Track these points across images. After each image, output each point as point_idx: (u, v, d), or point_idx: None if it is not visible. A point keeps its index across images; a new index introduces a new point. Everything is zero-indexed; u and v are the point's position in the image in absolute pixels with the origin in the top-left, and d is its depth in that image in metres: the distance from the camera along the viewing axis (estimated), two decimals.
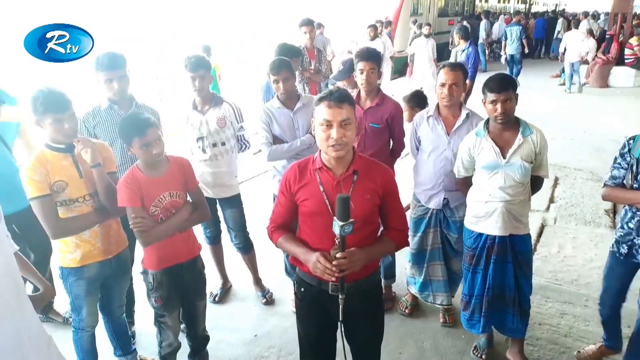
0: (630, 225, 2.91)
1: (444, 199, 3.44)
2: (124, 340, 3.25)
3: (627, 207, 2.91)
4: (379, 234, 2.43)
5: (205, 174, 3.73)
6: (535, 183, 3.12)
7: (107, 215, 2.81)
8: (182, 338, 3.15)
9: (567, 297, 4.00)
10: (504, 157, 2.95)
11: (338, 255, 2.09)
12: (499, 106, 2.87)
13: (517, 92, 2.95)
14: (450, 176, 3.37)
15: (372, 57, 3.57)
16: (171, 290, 2.83)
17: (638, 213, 2.87)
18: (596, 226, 5.24)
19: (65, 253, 2.79)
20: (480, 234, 3.11)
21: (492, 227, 3.05)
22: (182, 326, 3.20)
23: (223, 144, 3.71)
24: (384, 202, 2.32)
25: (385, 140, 3.66)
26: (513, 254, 3.08)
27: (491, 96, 2.89)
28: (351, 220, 2.02)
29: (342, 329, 2.30)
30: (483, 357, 3.35)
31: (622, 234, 2.97)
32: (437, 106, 3.42)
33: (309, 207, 2.28)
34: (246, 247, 4.08)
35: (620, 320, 3.20)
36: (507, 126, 2.96)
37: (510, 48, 13.30)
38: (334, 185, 2.24)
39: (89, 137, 3.18)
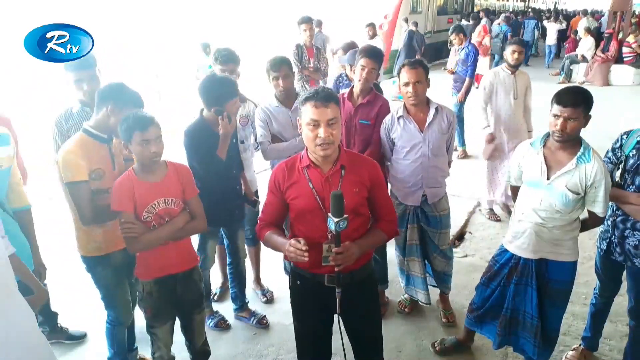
0: (609, 222, 2.92)
1: (423, 195, 3.46)
2: (129, 337, 3.27)
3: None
4: (369, 225, 2.46)
5: None
6: (592, 218, 2.81)
7: None
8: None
9: None
10: (548, 178, 2.70)
11: (334, 250, 2.13)
12: (559, 122, 2.58)
13: (590, 113, 2.63)
14: (429, 172, 3.41)
15: (375, 57, 3.58)
16: (162, 302, 2.72)
17: (617, 212, 2.88)
18: None
19: (88, 242, 2.81)
20: (508, 252, 2.97)
21: (520, 248, 2.89)
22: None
23: (242, 142, 3.71)
24: (371, 194, 2.38)
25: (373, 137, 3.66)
26: (542, 280, 2.87)
27: (556, 109, 2.59)
28: (345, 215, 2.06)
29: (340, 322, 2.33)
30: (437, 347, 3.46)
31: (602, 230, 3.00)
32: (404, 106, 3.43)
33: (300, 204, 2.32)
34: (255, 240, 4.10)
35: (607, 316, 3.26)
36: (565, 146, 2.68)
37: (526, 35, 17.93)
38: (323, 182, 2.29)
39: (63, 140, 3.06)
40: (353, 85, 3.70)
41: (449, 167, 3.64)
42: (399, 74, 3.38)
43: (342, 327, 2.38)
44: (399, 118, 3.43)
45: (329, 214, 2.08)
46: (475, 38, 13.07)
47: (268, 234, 2.41)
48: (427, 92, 3.40)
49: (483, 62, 13.04)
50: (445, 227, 3.60)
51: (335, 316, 2.35)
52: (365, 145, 3.59)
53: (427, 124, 3.37)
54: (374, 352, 2.60)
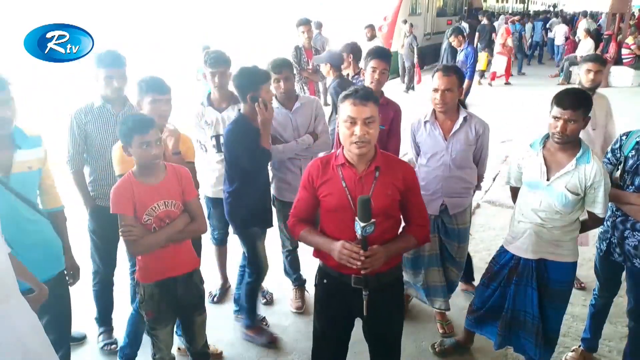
0: (609, 223, 2.93)
1: (442, 204, 3.40)
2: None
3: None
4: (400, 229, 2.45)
5: (222, 174, 3.71)
6: (592, 218, 2.83)
7: None
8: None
9: None
10: (548, 179, 2.72)
11: (360, 254, 2.12)
12: (559, 124, 2.59)
13: (589, 115, 2.64)
14: (450, 181, 3.33)
15: (385, 57, 3.56)
16: (163, 305, 2.71)
17: (617, 213, 2.88)
18: None
19: None
20: (508, 252, 2.99)
21: (520, 249, 2.90)
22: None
23: None
24: (404, 198, 2.35)
25: (385, 142, 3.63)
26: (541, 280, 2.87)
27: (556, 111, 2.61)
28: (372, 220, 2.06)
29: (366, 325, 2.34)
30: (437, 348, 3.46)
31: (602, 230, 3.01)
32: (434, 111, 3.36)
33: (331, 202, 2.32)
34: None
35: (606, 317, 3.27)
36: (565, 147, 2.70)
37: (536, 36, 19.70)
38: (356, 181, 2.28)
39: (80, 133, 3.26)
40: None
41: (481, 180, 3.55)
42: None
43: (363, 329, 2.38)
44: (425, 122, 3.37)
45: (356, 218, 2.08)
46: (498, 39, 13.93)
47: (304, 231, 2.42)
48: (456, 99, 3.30)
49: (502, 60, 14.11)
50: (463, 240, 3.54)
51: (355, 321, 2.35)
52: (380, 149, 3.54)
53: (452, 132, 3.28)
54: (394, 357, 2.58)
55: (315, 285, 2.57)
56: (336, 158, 2.35)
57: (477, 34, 14.79)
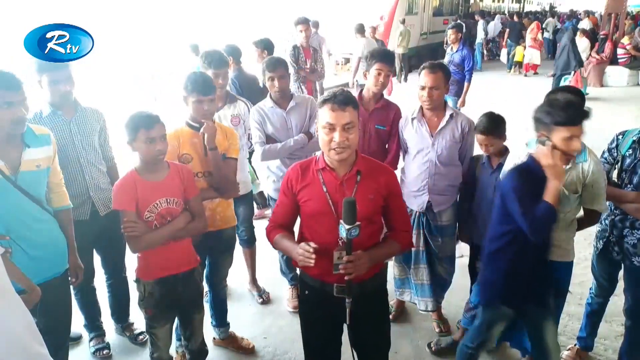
0: (607, 222, 2.94)
1: (428, 202, 3.41)
2: (221, 311, 3.51)
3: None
4: (382, 234, 2.42)
5: None
6: (589, 216, 2.80)
7: (218, 194, 3.04)
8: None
9: None
10: None
11: (344, 258, 2.08)
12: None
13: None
14: (435, 178, 3.34)
15: (390, 60, 3.57)
16: (163, 302, 2.71)
17: (615, 211, 2.89)
18: None
19: None
20: None
21: None
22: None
23: None
24: (387, 203, 2.31)
25: (387, 143, 3.65)
26: None
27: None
28: (358, 223, 2.02)
29: (351, 333, 2.30)
30: (433, 348, 3.47)
31: (600, 229, 3.02)
32: (421, 108, 3.39)
33: (312, 207, 2.27)
34: (250, 241, 4.11)
35: (602, 316, 3.29)
36: None
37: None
38: (338, 186, 2.24)
39: None
40: (361, 90, 3.68)
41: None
42: (418, 74, 3.30)
43: (348, 337, 2.35)
44: (412, 119, 3.38)
45: (341, 221, 2.04)
46: (529, 35, 15.11)
47: (278, 236, 2.36)
48: (443, 96, 3.35)
49: (536, 54, 15.48)
50: (448, 235, 3.54)
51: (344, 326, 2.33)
52: (380, 150, 3.55)
53: (438, 129, 3.30)
54: None
55: (298, 296, 2.53)
56: (316, 162, 2.30)
57: (507, 29, 16.92)
